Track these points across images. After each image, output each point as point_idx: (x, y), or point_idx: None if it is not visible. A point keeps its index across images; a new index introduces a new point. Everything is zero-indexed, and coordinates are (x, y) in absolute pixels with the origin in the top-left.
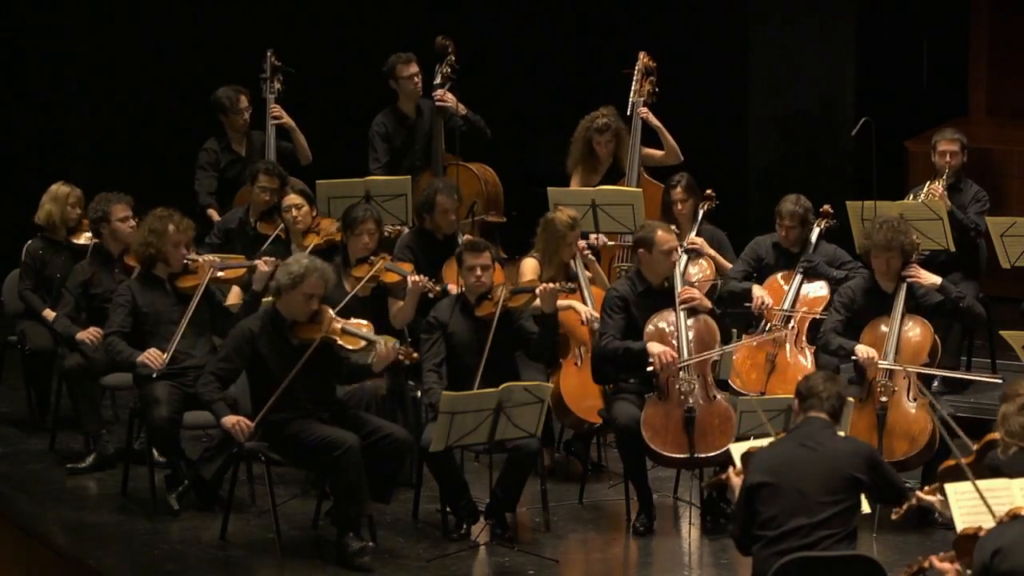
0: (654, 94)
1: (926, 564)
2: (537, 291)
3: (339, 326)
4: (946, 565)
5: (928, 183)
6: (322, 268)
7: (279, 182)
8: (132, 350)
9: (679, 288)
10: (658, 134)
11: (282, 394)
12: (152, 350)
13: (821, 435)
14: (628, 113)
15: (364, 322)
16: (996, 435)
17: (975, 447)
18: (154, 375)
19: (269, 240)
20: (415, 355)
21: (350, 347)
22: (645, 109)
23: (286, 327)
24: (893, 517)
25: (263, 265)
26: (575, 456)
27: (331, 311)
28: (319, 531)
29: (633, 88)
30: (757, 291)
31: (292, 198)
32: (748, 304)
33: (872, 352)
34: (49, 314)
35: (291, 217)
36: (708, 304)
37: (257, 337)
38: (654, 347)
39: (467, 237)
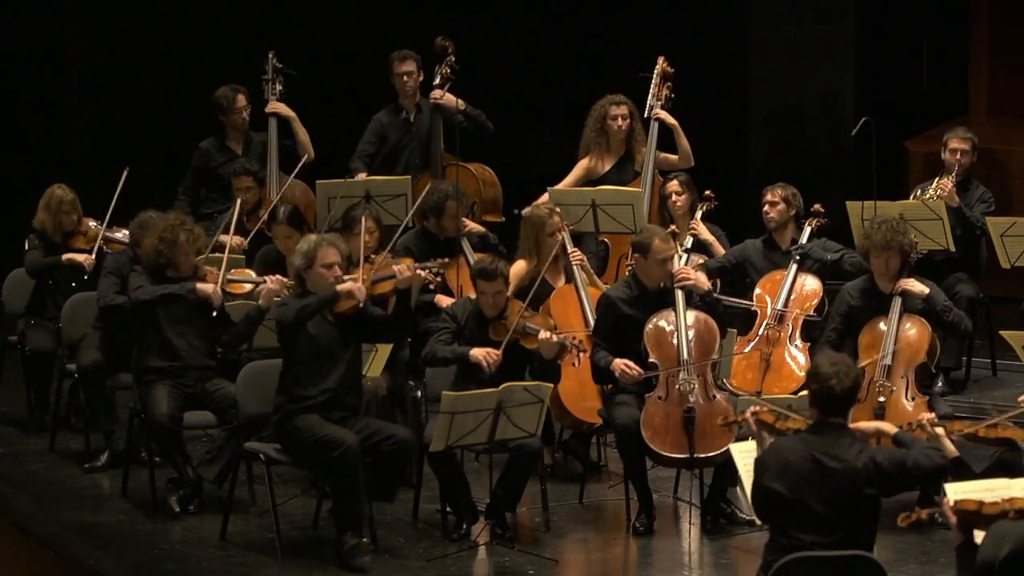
0: (671, 99)
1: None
2: (540, 337)
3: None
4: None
5: (937, 178)
6: (328, 237)
7: (252, 180)
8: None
9: (676, 268)
10: (674, 134)
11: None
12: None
13: (837, 447)
14: (645, 116)
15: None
16: (1020, 435)
17: (992, 436)
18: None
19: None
20: (438, 278)
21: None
22: (662, 112)
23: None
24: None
25: (271, 283)
26: (574, 456)
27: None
28: (319, 531)
29: (651, 92)
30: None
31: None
32: (749, 305)
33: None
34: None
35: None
36: (705, 285)
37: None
38: (616, 364)
39: (478, 256)
